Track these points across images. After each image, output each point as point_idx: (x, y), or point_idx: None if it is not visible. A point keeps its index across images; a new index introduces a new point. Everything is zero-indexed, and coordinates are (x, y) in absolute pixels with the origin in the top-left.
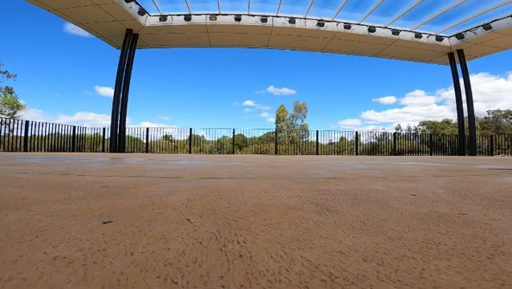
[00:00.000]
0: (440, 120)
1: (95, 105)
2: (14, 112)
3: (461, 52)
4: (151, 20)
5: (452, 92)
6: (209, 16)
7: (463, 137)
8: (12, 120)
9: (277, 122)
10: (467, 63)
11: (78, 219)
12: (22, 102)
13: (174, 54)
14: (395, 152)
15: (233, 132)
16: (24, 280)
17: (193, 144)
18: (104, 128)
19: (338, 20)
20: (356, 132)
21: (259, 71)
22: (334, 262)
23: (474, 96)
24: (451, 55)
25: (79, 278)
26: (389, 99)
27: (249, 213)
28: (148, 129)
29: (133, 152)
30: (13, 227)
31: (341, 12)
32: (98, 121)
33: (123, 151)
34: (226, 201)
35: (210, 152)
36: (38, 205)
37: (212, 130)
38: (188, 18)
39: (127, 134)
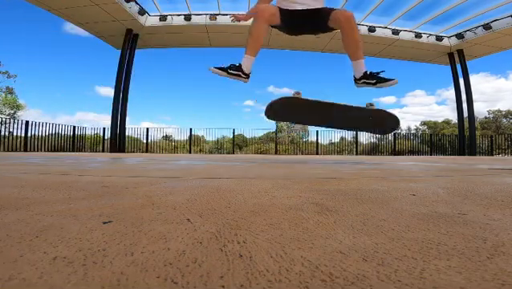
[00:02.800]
0: (440, 119)
1: (95, 105)
2: (15, 112)
3: (461, 52)
4: (151, 20)
5: (452, 92)
6: (209, 16)
7: (463, 137)
8: (12, 120)
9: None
10: (467, 62)
11: (78, 219)
12: (22, 102)
13: (174, 54)
14: (395, 152)
15: (233, 132)
16: (24, 280)
17: (193, 144)
18: (104, 128)
19: None
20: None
21: (259, 71)
22: (334, 262)
23: (474, 96)
24: (451, 55)
25: (79, 278)
26: (389, 99)
27: (249, 213)
28: (148, 129)
29: (133, 152)
30: (13, 227)
31: None
32: (98, 121)
33: (124, 151)
34: (226, 201)
35: (210, 152)
36: (38, 205)
37: (212, 130)
38: (188, 18)
39: (127, 134)
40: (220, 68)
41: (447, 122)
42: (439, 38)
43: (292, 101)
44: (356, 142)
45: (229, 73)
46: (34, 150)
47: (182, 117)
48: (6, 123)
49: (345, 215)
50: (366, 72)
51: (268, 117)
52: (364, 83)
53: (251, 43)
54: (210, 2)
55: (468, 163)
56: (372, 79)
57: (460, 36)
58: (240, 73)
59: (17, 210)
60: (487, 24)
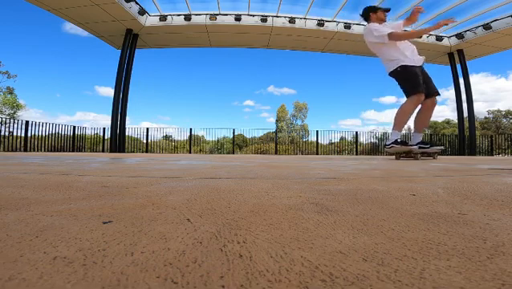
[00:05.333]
0: (440, 119)
1: (95, 105)
2: (14, 112)
3: (461, 52)
4: (151, 20)
5: (452, 92)
6: (209, 16)
7: (463, 137)
8: (12, 120)
9: (277, 122)
10: (467, 62)
11: (78, 219)
12: (22, 102)
13: (174, 54)
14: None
15: (233, 132)
16: (24, 280)
17: (193, 144)
18: (104, 128)
19: (338, 20)
20: (356, 132)
21: (259, 71)
22: (334, 262)
23: (475, 96)
24: (451, 55)
25: (79, 278)
26: (390, 99)
27: (249, 213)
28: (148, 129)
29: (133, 152)
30: (13, 227)
31: (341, 12)
32: (98, 121)
33: (123, 151)
34: (226, 201)
35: (210, 152)
36: (38, 205)
37: (212, 130)
38: (188, 18)
39: (127, 134)
40: (395, 144)
41: (447, 122)
42: (439, 38)
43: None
44: (356, 142)
45: (401, 146)
46: (34, 150)
47: (182, 117)
48: (5, 123)
49: (345, 215)
50: (422, 141)
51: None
52: (421, 147)
53: (404, 122)
54: (210, 2)
55: (468, 163)
56: (426, 144)
57: (460, 36)
58: (402, 145)
59: (17, 210)
60: (487, 24)
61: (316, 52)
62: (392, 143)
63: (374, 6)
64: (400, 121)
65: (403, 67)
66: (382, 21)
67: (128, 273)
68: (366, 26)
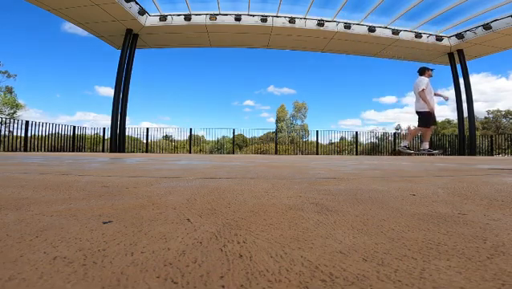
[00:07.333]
0: (440, 119)
1: (95, 105)
2: (14, 112)
3: (461, 52)
4: (151, 20)
5: (452, 92)
6: (209, 16)
7: (463, 137)
8: (12, 120)
9: (277, 122)
10: (467, 62)
11: (78, 219)
12: (21, 102)
13: (174, 54)
14: (395, 152)
15: (233, 132)
16: (24, 280)
17: (193, 144)
18: (104, 128)
19: (338, 20)
20: (356, 132)
21: (259, 71)
22: (334, 262)
23: (475, 96)
24: (451, 55)
25: (79, 278)
26: (390, 99)
27: (249, 213)
28: (148, 129)
29: (133, 152)
30: (13, 227)
31: (341, 12)
32: (98, 121)
33: (123, 151)
34: (226, 201)
35: (210, 152)
36: (38, 205)
37: (212, 130)
38: (188, 18)
39: (127, 134)
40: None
41: (448, 122)
42: (439, 38)
43: None
44: (356, 142)
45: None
46: (34, 150)
47: (182, 117)
48: (5, 123)
49: (345, 215)
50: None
51: None
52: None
53: (413, 136)
54: (210, 1)
55: (468, 163)
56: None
57: (460, 36)
58: (432, 150)
59: (17, 210)
60: (487, 24)
61: (316, 52)
62: (405, 146)
63: (427, 67)
64: (411, 136)
65: (429, 112)
66: (430, 76)
67: (127, 273)
68: (421, 78)
